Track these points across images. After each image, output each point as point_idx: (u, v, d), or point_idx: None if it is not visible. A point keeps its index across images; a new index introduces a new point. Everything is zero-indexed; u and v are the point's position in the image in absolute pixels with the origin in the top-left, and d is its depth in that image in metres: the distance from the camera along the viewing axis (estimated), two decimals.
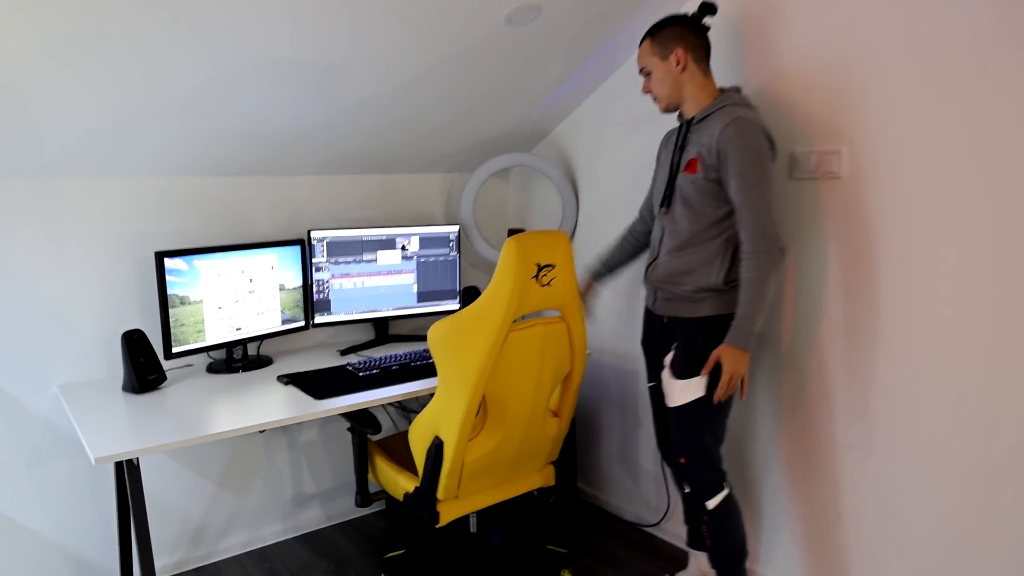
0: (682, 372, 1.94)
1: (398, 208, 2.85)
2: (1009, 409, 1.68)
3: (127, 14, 1.59)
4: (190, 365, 2.38)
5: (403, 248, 2.67)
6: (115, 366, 2.26)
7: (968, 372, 1.74)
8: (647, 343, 2.16)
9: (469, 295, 2.83)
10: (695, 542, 2.22)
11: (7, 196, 2.05)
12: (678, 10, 2.25)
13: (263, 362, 2.40)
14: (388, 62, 2.08)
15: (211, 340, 2.27)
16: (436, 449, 1.87)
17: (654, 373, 2.16)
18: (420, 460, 1.95)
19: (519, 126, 2.75)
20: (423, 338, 2.72)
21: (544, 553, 2.51)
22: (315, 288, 2.53)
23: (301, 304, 2.52)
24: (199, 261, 2.21)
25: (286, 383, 2.16)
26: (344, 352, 2.53)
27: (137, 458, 1.69)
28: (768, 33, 2.07)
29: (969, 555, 1.79)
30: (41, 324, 2.13)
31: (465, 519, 2.54)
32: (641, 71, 1.98)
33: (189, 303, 2.19)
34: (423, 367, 2.30)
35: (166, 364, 2.32)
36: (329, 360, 2.44)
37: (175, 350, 2.17)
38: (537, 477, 2.17)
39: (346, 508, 2.83)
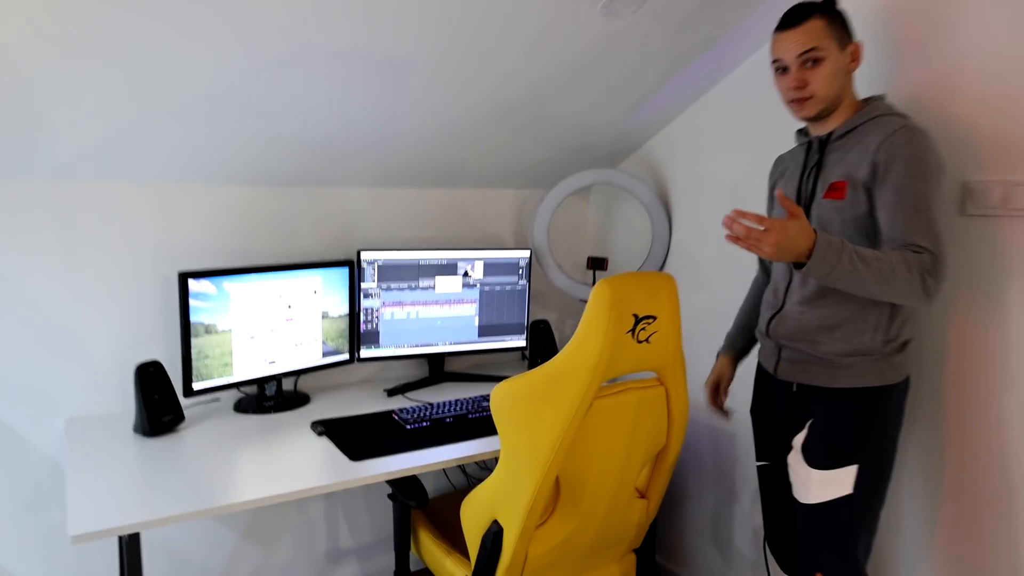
0: (822, 460, 1.50)
1: (462, 228, 2.50)
2: None
3: None
4: (216, 400, 2.08)
5: (465, 274, 2.31)
6: (129, 399, 1.97)
7: None
8: (760, 412, 1.74)
9: (537, 331, 2.45)
10: None
11: (15, 200, 1.78)
12: None
13: (299, 400, 2.08)
14: (459, 59, 1.73)
15: (239, 375, 1.95)
16: (494, 537, 1.50)
17: (769, 451, 1.73)
18: (473, 544, 1.58)
19: (605, 138, 2.37)
20: (483, 378, 2.35)
21: None
22: (363, 317, 2.20)
23: (346, 335, 2.19)
24: (230, 283, 1.90)
25: (320, 433, 1.82)
26: (391, 392, 2.18)
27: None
28: (928, 26, 1.63)
29: None
30: (49, 348, 1.86)
31: None
32: (804, 54, 1.48)
33: (216, 332, 1.88)
34: (484, 421, 1.92)
35: (186, 402, 2.02)
36: (373, 402, 2.10)
37: (196, 387, 1.86)
38: (615, 568, 1.77)
39: (386, 566, 2.48)
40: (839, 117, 1.53)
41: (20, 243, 1.79)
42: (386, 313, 2.23)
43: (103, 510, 1.38)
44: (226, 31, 1.44)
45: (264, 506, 2.20)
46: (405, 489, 1.68)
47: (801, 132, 1.64)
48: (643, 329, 1.43)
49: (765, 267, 1.88)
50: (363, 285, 2.18)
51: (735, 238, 1.32)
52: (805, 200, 1.57)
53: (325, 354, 2.15)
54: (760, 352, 1.72)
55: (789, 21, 1.50)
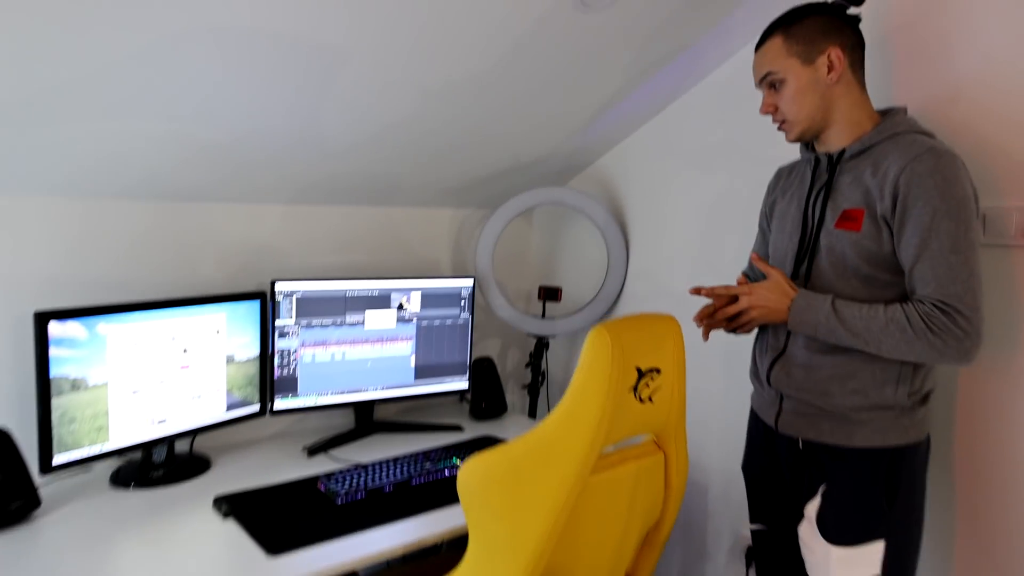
0: (842, 534, 1.28)
1: (394, 253, 2.16)
2: None
3: None
4: (87, 470, 1.64)
5: (400, 307, 1.98)
6: None
7: None
8: (754, 469, 1.51)
9: (480, 370, 2.14)
10: None
11: None
12: None
13: (197, 466, 1.68)
14: (402, 52, 1.42)
15: (117, 442, 1.54)
16: None
17: (766, 513, 1.49)
18: None
19: (557, 152, 2.11)
20: (419, 428, 2.02)
21: None
22: (277, 360, 1.82)
23: (256, 382, 1.81)
24: (106, 325, 1.49)
25: (225, 514, 1.44)
26: (312, 451, 1.81)
27: None
28: (934, 36, 1.47)
29: None
30: None
31: None
32: (763, 80, 1.36)
33: (86, 388, 1.47)
34: (431, 488, 1.60)
35: (43, 480, 1.57)
36: (291, 465, 1.73)
37: (57, 461, 1.44)
38: None
39: None
40: (848, 133, 1.33)
41: None
42: (306, 355, 1.86)
43: None
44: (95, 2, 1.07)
45: None
46: None
47: (805, 146, 1.43)
48: (646, 385, 1.16)
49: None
50: (278, 322, 1.81)
51: (711, 326, 1.41)
52: (812, 227, 1.36)
53: (230, 407, 1.76)
54: (755, 400, 1.49)
55: (758, 42, 1.37)
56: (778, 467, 1.44)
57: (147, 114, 1.37)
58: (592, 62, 1.67)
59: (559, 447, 1.09)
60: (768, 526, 1.49)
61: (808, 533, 1.33)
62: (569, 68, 1.67)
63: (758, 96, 1.78)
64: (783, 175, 1.51)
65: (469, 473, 1.12)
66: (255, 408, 1.81)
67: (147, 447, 1.61)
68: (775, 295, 1.32)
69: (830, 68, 1.30)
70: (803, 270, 1.36)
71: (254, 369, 1.80)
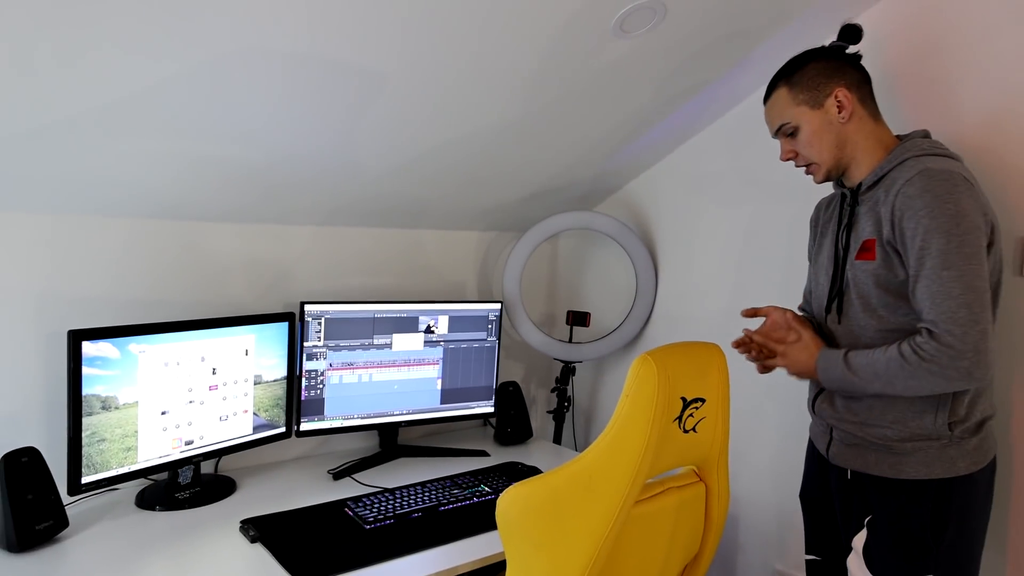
0: (889, 568, 1.24)
1: (421, 276, 2.15)
2: None
3: None
4: (114, 489, 1.63)
5: (428, 330, 1.96)
6: None
7: None
8: (812, 498, 1.47)
9: (506, 395, 2.12)
10: None
11: None
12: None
13: (222, 488, 1.66)
14: (441, 80, 1.42)
15: (145, 461, 1.52)
16: None
17: (822, 545, 1.46)
18: None
19: (584, 177, 2.10)
20: (444, 452, 2.00)
21: None
22: (305, 382, 1.81)
23: (283, 404, 1.79)
24: (138, 345, 1.48)
25: (253, 539, 1.41)
26: (337, 475, 1.79)
27: None
28: (960, 63, 1.46)
29: None
30: None
31: None
32: (779, 131, 1.38)
33: (116, 407, 1.46)
34: (458, 514, 1.57)
35: (70, 500, 1.56)
36: (317, 488, 1.70)
37: (86, 480, 1.42)
38: None
39: None
40: (865, 164, 1.33)
41: None
42: (333, 377, 1.85)
43: None
44: (136, 19, 1.08)
45: None
46: None
47: (839, 181, 1.42)
48: (690, 416, 1.14)
49: (806, 311, 1.59)
50: (306, 344, 1.80)
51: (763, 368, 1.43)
52: (841, 261, 1.35)
53: (256, 428, 1.74)
54: (812, 429, 1.46)
55: (764, 97, 1.41)
56: (830, 497, 1.42)
57: (189, 136, 1.38)
58: (624, 89, 1.67)
59: (602, 477, 1.07)
60: (823, 557, 1.46)
61: (856, 566, 1.29)
62: (600, 95, 1.66)
63: None
64: (822, 208, 1.50)
65: (509, 502, 1.10)
66: (281, 430, 1.80)
67: (174, 468, 1.59)
68: (804, 356, 1.35)
69: (840, 108, 1.31)
70: (835, 306, 1.36)
71: (281, 390, 1.79)
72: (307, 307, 1.79)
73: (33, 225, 1.50)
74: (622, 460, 1.06)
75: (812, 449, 1.48)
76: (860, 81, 1.33)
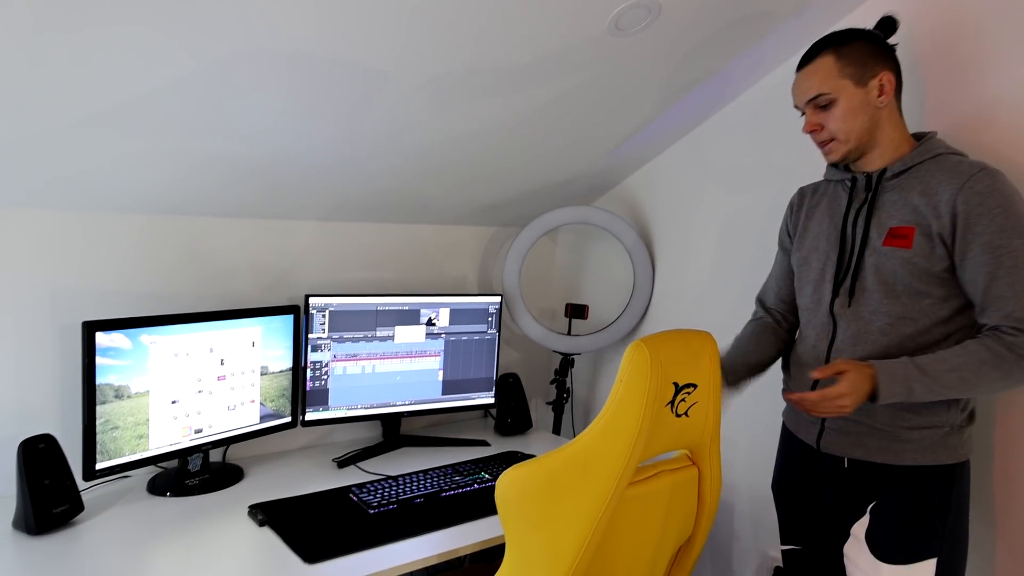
0: (894, 553, 1.28)
1: (422, 270, 2.20)
2: None
3: None
4: (126, 476, 1.68)
5: (429, 322, 2.01)
6: (9, 485, 1.55)
7: None
8: (787, 488, 1.51)
9: (506, 386, 2.17)
10: None
11: None
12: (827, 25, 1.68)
13: (230, 475, 1.71)
14: (441, 76, 1.46)
15: (156, 449, 1.57)
16: None
17: (800, 534, 1.50)
18: None
19: (584, 173, 2.15)
20: (445, 442, 2.05)
21: None
22: (310, 373, 1.86)
23: (288, 394, 1.84)
24: (149, 336, 1.53)
25: (261, 522, 1.46)
26: (342, 463, 1.84)
27: None
28: (967, 59, 1.50)
29: None
30: None
31: None
32: (812, 102, 1.36)
33: (129, 396, 1.51)
34: (460, 500, 1.62)
35: (85, 486, 1.61)
36: (321, 476, 1.75)
37: (100, 466, 1.47)
38: None
39: None
40: (888, 153, 1.34)
41: None
42: (337, 368, 1.90)
43: None
44: (140, 21, 1.12)
45: None
46: None
47: (836, 167, 1.45)
48: (683, 400, 1.18)
49: (765, 305, 1.62)
50: (311, 336, 1.85)
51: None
52: (853, 245, 1.36)
53: (263, 418, 1.79)
54: (790, 419, 1.50)
55: (801, 61, 1.38)
56: (818, 487, 1.44)
57: (198, 135, 1.42)
58: (622, 86, 1.71)
59: (597, 459, 1.12)
60: (803, 546, 1.49)
61: (856, 552, 1.33)
62: (599, 92, 1.71)
63: (786, 118, 1.82)
64: (807, 194, 1.51)
65: (508, 484, 1.15)
66: (287, 419, 1.85)
67: (183, 455, 1.64)
68: (858, 381, 1.22)
69: (881, 91, 1.31)
70: (846, 288, 1.36)
71: (287, 381, 1.83)
72: (312, 300, 1.84)
73: (48, 222, 1.54)
74: (616, 442, 1.11)
75: (790, 440, 1.49)
76: (898, 72, 1.34)
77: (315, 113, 1.47)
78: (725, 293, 2.00)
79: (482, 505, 1.60)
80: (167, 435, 1.59)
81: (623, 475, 1.11)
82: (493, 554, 1.78)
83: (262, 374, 1.78)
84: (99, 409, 1.46)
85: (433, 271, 2.22)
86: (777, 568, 1.87)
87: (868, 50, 1.32)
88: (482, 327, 2.10)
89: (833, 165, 1.44)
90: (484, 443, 2.05)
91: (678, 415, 1.19)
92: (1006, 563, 1.46)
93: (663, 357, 1.13)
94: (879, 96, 1.31)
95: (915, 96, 1.58)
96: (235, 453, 1.86)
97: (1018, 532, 1.44)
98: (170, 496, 1.59)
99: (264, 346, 1.77)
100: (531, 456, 1.89)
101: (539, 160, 1.98)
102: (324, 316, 1.86)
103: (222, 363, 1.68)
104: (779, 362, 1.57)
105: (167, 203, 1.65)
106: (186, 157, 1.49)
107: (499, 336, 2.12)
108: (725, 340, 1.99)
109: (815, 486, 1.44)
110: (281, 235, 1.90)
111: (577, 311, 2.25)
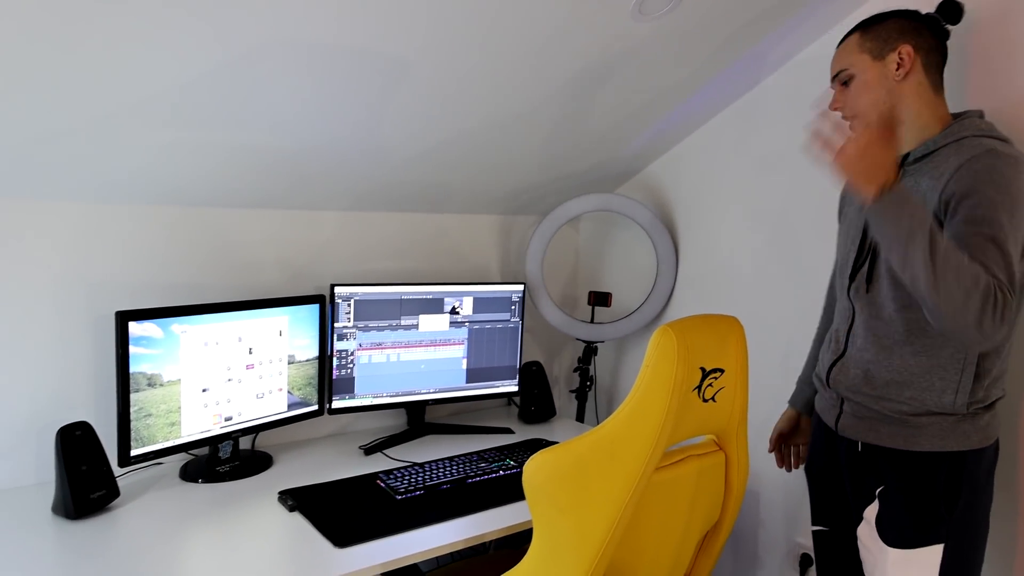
0: (900, 537, 1.28)
1: (445, 258, 2.21)
2: None
3: None
4: (159, 463, 1.71)
5: (453, 311, 2.02)
6: (48, 471, 1.59)
7: None
8: (818, 470, 1.51)
9: (529, 374, 2.18)
10: None
11: None
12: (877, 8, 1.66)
13: (259, 462, 1.74)
14: (464, 65, 1.46)
15: (188, 436, 1.60)
16: None
17: (828, 516, 1.50)
18: None
19: (607, 160, 2.14)
20: (470, 430, 2.06)
21: None
22: (336, 361, 1.88)
23: (315, 382, 1.87)
24: (180, 325, 1.56)
25: (291, 508, 1.49)
26: (368, 450, 1.86)
27: None
28: (1012, 39, 1.47)
29: None
30: None
31: None
32: (836, 77, 1.37)
33: (161, 384, 1.54)
34: (486, 486, 1.63)
35: (120, 471, 1.65)
36: (349, 463, 1.77)
37: (135, 452, 1.50)
38: None
39: None
40: (915, 135, 1.32)
41: None
42: (363, 356, 1.92)
43: None
44: (170, 16, 1.14)
45: None
46: None
47: None
48: (709, 385, 1.18)
49: (827, 310, 1.64)
50: (336, 325, 1.87)
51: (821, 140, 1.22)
52: (868, 229, 1.37)
53: (290, 406, 1.82)
54: (819, 403, 1.49)
55: (840, 41, 1.40)
56: (838, 469, 1.45)
57: (224, 127, 1.44)
58: (645, 72, 1.70)
59: (624, 444, 1.12)
60: (830, 528, 1.50)
61: (867, 535, 1.33)
62: (622, 79, 1.70)
63: (811, 102, 1.80)
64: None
65: (536, 468, 1.16)
66: (313, 407, 1.87)
67: (214, 442, 1.67)
68: (880, 158, 1.15)
69: (899, 65, 1.29)
70: (863, 275, 1.36)
71: (313, 369, 1.86)
72: (337, 289, 1.86)
73: (83, 215, 1.57)
74: (643, 427, 1.12)
75: (819, 423, 1.50)
76: (932, 48, 1.31)
77: (338, 104, 1.49)
78: (749, 278, 1.99)
79: (508, 491, 1.61)
80: (198, 422, 1.62)
81: (650, 460, 1.12)
82: (517, 540, 1.80)
83: (289, 363, 1.80)
84: (133, 397, 1.49)
85: (456, 260, 2.23)
86: (804, 555, 1.86)
87: (897, 26, 1.31)
88: (505, 315, 2.11)
89: None
90: (508, 431, 2.06)
91: (705, 400, 1.19)
92: None
93: (689, 342, 1.13)
94: (896, 69, 1.29)
95: (957, 75, 1.55)
96: (264, 440, 1.89)
97: None
98: (202, 483, 1.62)
99: (291, 335, 1.79)
100: (554, 443, 1.91)
101: (561, 147, 1.97)
102: (349, 305, 1.88)
103: (250, 352, 1.71)
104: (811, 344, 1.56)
105: (195, 195, 1.68)
106: (213, 149, 1.51)
107: (522, 324, 2.13)
108: (750, 325, 1.98)
109: (836, 469, 1.44)
110: (306, 225, 1.92)
111: (601, 299, 2.25)
